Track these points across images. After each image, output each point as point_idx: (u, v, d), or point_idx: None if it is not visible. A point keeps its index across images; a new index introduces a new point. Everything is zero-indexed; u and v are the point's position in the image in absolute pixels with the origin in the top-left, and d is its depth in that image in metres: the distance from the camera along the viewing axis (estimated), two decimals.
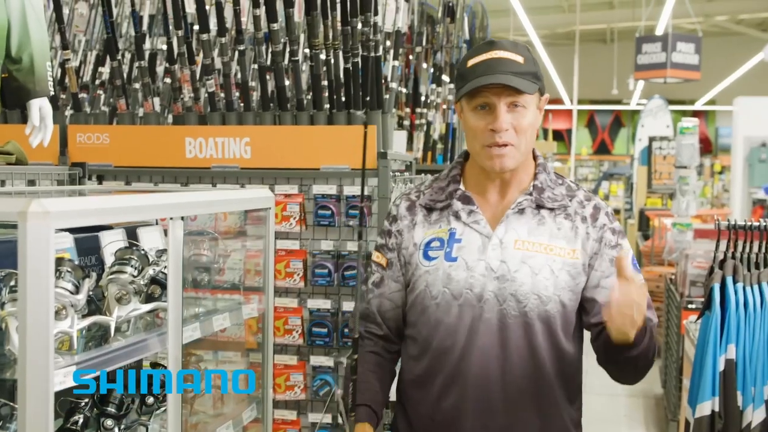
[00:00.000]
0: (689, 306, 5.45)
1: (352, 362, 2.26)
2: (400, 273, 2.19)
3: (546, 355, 2.06)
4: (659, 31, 14.55)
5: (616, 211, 26.10)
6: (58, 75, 4.00)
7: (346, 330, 3.44)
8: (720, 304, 2.89)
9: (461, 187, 2.15)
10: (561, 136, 27.10)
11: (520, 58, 2.02)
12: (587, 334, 2.16)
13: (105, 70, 4.05)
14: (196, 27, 3.76)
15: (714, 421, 2.84)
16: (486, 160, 2.06)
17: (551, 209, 2.11)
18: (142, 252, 2.25)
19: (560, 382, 2.09)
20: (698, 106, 26.38)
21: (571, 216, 2.11)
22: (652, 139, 12.88)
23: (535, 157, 2.18)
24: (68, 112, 3.88)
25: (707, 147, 25.49)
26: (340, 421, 2.62)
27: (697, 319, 3.21)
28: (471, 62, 2.05)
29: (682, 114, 22.66)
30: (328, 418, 3.44)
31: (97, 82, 4.07)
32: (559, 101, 25.67)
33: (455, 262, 2.07)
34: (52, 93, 2.86)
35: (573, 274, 2.08)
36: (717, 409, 2.83)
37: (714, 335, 2.85)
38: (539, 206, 2.10)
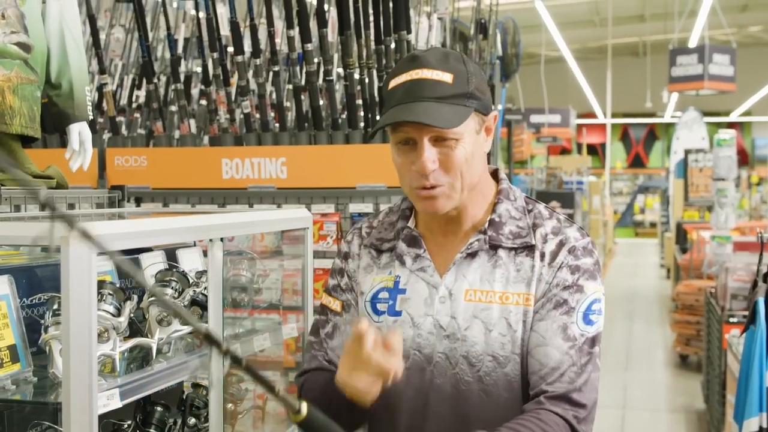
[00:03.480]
0: (731, 320, 5.41)
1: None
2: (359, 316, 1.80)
3: None
4: (692, 43, 14.47)
5: (653, 225, 26.03)
6: (96, 99, 4.04)
7: None
8: (765, 318, 2.85)
9: (410, 224, 1.78)
10: (595, 151, 27.03)
11: (448, 77, 1.62)
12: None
13: (141, 94, 4.09)
14: (230, 49, 3.79)
15: None
16: (417, 203, 1.70)
17: (511, 249, 1.71)
18: (182, 273, 2.26)
19: None
20: (733, 117, 26.19)
21: (533, 253, 1.71)
22: (687, 152, 12.79)
23: (498, 181, 1.80)
24: (106, 136, 3.92)
25: (744, 158, 25.27)
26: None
27: (742, 333, 3.17)
28: (392, 84, 1.67)
29: (717, 126, 22.50)
30: None
31: (134, 105, 4.11)
32: (592, 115, 25.64)
33: (399, 317, 1.73)
34: (91, 117, 2.88)
35: None
36: (765, 425, 2.79)
37: (760, 350, 2.81)
38: (495, 246, 1.71)
